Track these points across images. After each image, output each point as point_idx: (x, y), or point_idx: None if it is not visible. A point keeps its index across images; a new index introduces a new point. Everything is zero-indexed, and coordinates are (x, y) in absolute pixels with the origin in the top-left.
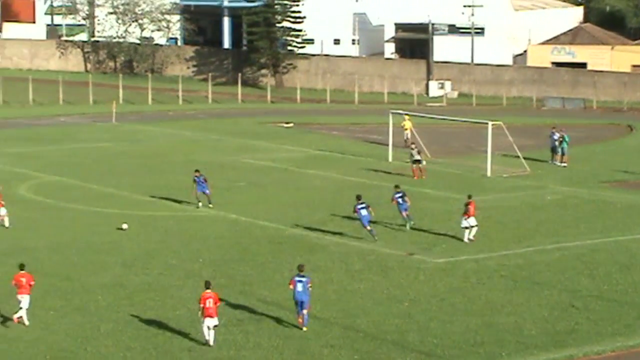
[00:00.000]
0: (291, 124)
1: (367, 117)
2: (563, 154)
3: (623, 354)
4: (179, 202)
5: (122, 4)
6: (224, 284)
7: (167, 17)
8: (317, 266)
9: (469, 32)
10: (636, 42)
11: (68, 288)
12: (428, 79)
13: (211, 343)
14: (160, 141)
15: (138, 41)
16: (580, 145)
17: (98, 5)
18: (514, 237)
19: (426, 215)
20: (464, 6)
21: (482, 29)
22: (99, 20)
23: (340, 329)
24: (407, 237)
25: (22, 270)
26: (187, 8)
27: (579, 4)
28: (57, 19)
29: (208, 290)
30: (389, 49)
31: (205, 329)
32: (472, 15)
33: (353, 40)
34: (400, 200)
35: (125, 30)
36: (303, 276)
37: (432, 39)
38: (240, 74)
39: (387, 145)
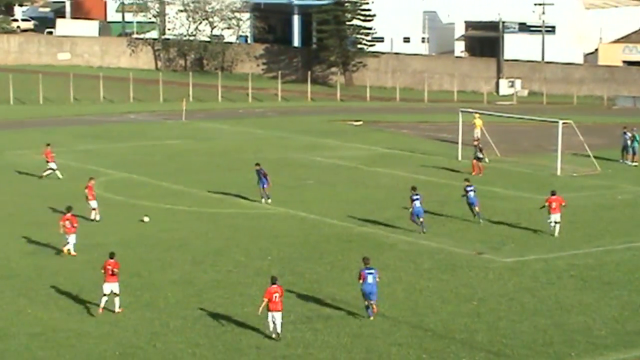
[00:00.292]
0: (360, 122)
1: (436, 116)
2: (634, 154)
3: None
4: (248, 199)
5: (193, 2)
6: (292, 282)
7: (237, 15)
8: (385, 265)
9: (540, 31)
10: None
11: (137, 284)
12: (498, 78)
13: (274, 336)
14: (230, 139)
15: (208, 39)
16: None
17: (169, 3)
18: (584, 236)
19: (495, 214)
20: (535, 4)
21: (553, 27)
22: (169, 18)
23: (409, 327)
24: (475, 236)
25: (111, 258)
26: (257, 6)
27: None
28: (128, 17)
29: (274, 285)
30: (459, 47)
31: (270, 323)
32: (543, 13)
33: (423, 38)
34: (471, 193)
35: (196, 28)
36: (371, 268)
37: (502, 37)
38: (309, 72)
39: (457, 143)
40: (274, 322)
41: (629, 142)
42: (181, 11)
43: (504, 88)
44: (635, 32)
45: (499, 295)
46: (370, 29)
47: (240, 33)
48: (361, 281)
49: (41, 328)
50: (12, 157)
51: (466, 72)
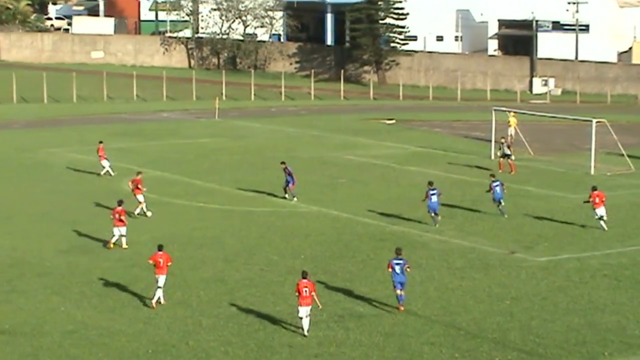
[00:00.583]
0: (393, 121)
1: (469, 114)
2: None
3: None
4: (281, 197)
5: (226, 0)
6: (325, 281)
7: (270, 13)
8: (418, 263)
9: (574, 29)
10: None
11: (170, 282)
12: (531, 76)
13: (306, 332)
14: (262, 137)
15: (241, 37)
16: None
17: (202, 2)
18: (617, 235)
19: (528, 213)
20: (569, 3)
21: (587, 25)
22: (202, 16)
23: (441, 326)
24: (508, 235)
25: (160, 250)
26: (290, 4)
27: None
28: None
29: (304, 280)
30: (492, 46)
31: (302, 318)
32: (577, 12)
33: (456, 37)
34: (497, 189)
35: (229, 27)
36: (400, 259)
37: (536, 35)
38: (342, 71)
39: (490, 142)
40: (304, 316)
41: None
42: (214, 10)
43: (538, 87)
44: None
45: (531, 295)
46: (403, 27)
47: (273, 31)
48: (390, 270)
49: (74, 326)
50: (46, 156)
51: (499, 71)
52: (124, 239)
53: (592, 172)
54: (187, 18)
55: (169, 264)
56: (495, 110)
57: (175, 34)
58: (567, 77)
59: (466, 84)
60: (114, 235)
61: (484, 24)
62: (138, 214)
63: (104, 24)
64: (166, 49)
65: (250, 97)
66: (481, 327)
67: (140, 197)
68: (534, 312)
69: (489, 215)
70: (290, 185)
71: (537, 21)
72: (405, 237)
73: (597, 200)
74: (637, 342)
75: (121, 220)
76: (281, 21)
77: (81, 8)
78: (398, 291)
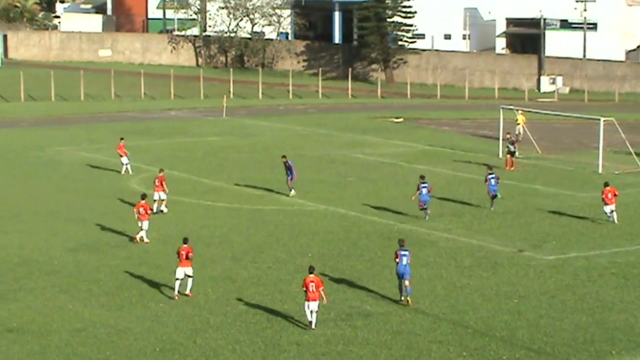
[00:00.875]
0: (401, 119)
1: (477, 113)
2: None
3: None
4: (288, 196)
5: None
6: (332, 279)
7: (278, 11)
8: (426, 262)
9: (581, 27)
10: None
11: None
12: (539, 75)
13: (313, 326)
14: (270, 135)
15: (249, 36)
16: None
17: (209, 0)
18: (626, 234)
19: (536, 211)
20: (577, 1)
21: (595, 24)
22: (210, 14)
23: (449, 324)
24: (516, 233)
25: (185, 244)
26: (298, 3)
27: None
28: (169, 13)
29: (311, 275)
30: (500, 44)
31: (307, 313)
32: (585, 10)
33: (464, 35)
34: (492, 181)
35: (237, 25)
36: (406, 250)
37: (544, 34)
38: (350, 69)
39: (498, 140)
40: (311, 311)
41: None
42: (222, 8)
43: (545, 85)
44: None
45: (539, 293)
46: (411, 25)
47: (281, 30)
48: (397, 260)
49: (82, 324)
50: (54, 154)
51: (507, 69)
52: (144, 233)
53: (600, 170)
54: (194, 16)
55: (190, 255)
56: (503, 108)
57: (183, 32)
58: (575, 76)
59: (474, 83)
60: (141, 229)
61: (492, 22)
62: (155, 213)
63: (92, 21)
64: (174, 47)
65: (258, 95)
66: (489, 326)
67: (162, 195)
68: (542, 310)
69: (497, 213)
70: (289, 179)
71: (545, 19)
72: (413, 235)
73: (609, 195)
74: None
75: (147, 214)
76: (289, 19)
77: (89, 6)
78: (407, 282)
